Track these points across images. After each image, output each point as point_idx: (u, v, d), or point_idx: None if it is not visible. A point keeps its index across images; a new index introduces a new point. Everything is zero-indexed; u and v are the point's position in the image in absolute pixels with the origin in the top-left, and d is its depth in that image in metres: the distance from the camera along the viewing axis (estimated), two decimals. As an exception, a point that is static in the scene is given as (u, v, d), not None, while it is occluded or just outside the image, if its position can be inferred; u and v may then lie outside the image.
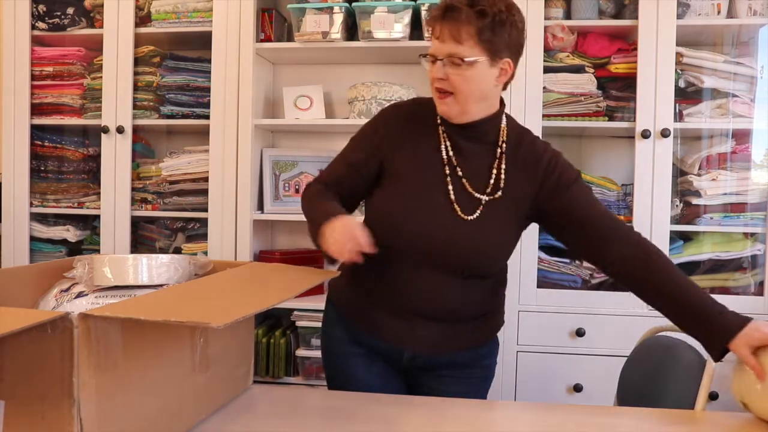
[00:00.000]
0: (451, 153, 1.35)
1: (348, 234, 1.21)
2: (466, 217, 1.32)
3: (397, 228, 1.33)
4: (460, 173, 1.34)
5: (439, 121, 1.36)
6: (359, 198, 1.46)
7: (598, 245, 1.33)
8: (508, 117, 1.40)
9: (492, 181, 1.34)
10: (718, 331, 1.18)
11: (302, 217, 1.41)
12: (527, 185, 1.34)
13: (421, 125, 1.38)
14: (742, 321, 1.17)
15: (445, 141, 1.36)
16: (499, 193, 1.34)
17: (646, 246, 1.31)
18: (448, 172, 1.34)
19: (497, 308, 1.48)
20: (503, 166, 1.35)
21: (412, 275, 1.34)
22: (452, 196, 1.33)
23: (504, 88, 1.36)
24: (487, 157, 1.36)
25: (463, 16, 1.22)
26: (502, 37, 1.24)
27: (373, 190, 1.40)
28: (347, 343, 1.46)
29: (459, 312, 1.38)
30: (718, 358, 1.21)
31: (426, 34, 2.31)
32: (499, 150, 1.36)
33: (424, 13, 2.29)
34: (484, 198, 1.33)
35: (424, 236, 1.31)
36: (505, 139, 1.36)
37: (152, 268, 1.19)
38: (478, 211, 1.33)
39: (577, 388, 2.22)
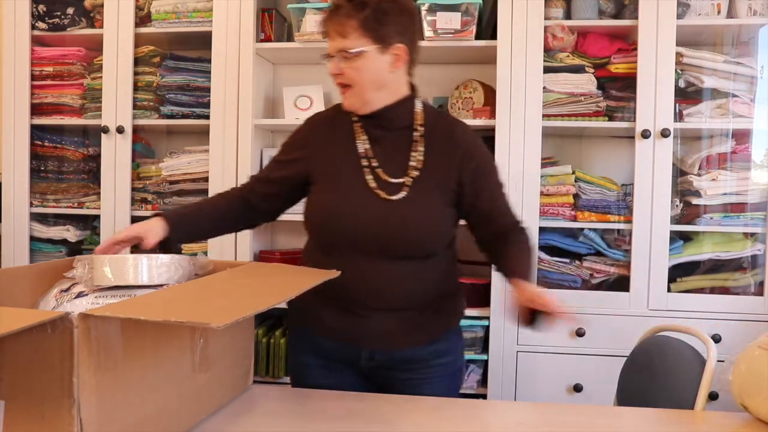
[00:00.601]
0: (367, 145, 1.41)
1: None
2: (390, 197, 1.36)
3: (329, 224, 1.38)
4: (375, 164, 1.39)
5: (355, 118, 1.43)
6: (288, 202, 1.54)
7: (493, 235, 1.44)
8: (425, 104, 1.46)
9: (411, 163, 1.39)
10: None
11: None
12: (447, 166, 1.39)
13: (340, 126, 1.45)
14: (518, 275, 1.31)
15: (361, 135, 1.42)
16: (418, 173, 1.38)
17: (518, 233, 1.45)
18: (366, 164, 1.40)
19: (451, 295, 1.49)
20: (421, 148, 1.40)
21: (356, 267, 1.36)
22: (372, 184, 1.38)
23: (409, 74, 1.42)
24: (403, 141, 1.41)
25: (344, 12, 1.32)
26: (388, 25, 1.32)
27: (308, 193, 1.46)
28: (305, 353, 1.47)
29: (409, 299, 1.39)
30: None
31: (427, 34, 2.30)
32: (415, 133, 1.41)
33: (423, 13, 2.28)
34: (404, 180, 1.38)
35: (355, 223, 1.36)
36: (421, 122, 1.41)
37: (152, 268, 1.19)
38: (403, 192, 1.37)
39: (577, 388, 2.22)
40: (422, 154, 1.39)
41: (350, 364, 1.43)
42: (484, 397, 2.23)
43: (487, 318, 2.24)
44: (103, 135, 2.45)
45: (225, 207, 1.51)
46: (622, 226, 2.27)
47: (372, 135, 1.41)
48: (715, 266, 2.27)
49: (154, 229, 1.36)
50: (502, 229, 1.44)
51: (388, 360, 1.41)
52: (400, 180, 1.37)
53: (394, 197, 1.36)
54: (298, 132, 1.51)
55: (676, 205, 2.27)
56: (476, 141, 1.44)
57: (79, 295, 1.18)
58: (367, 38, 1.31)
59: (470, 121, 2.27)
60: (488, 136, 2.17)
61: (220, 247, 2.39)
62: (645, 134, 2.17)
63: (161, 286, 1.19)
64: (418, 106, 1.43)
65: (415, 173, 1.38)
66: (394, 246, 1.36)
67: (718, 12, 2.21)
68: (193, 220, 1.47)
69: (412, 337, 1.41)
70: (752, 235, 2.24)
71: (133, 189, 2.49)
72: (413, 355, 1.42)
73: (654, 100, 2.18)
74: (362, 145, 1.41)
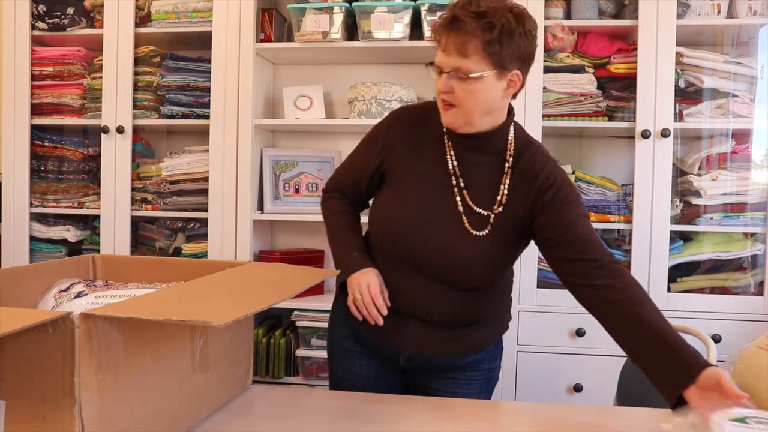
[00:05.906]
0: (455, 163, 1.32)
1: (370, 296, 1.31)
2: (476, 232, 1.29)
3: (402, 237, 1.32)
4: (462, 185, 1.31)
5: (444, 129, 1.33)
6: (368, 198, 1.48)
7: (579, 269, 1.23)
8: (516, 126, 1.36)
9: (499, 197, 1.31)
10: (687, 369, 1.07)
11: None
12: (524, 199, 1.30)
13: (428, 131, 1.35)
14: (706, 363, 1.07)
15: (449, 150, 1.33)
16: (501, 209, 1.30)
17: (629, 282, 1.21)
18: (454, 183, 1.32)
19: (499, 314, 1.45)
20: (508, 181, 1.31)
21: (412, 280, 1.33)
22: (460, 208, 1.30)
23: (513, 98, 1.32)
24: (493, 169, 1.32)
25: (469, 29, 1.18)
26: (510, 48, 1.20)
27: (378, 192, 1.41)
28: (349, 339, 1.47)
29: (457, 319, 1.37)
30: (674, 402, 1.09)
31: (426, 34, 2.31)
32: (506, 164, 1.32)
33: (423, 13, 2.29)
34: (491, 213, 1.30)
35: (434, 250, 1.30)
36: (512, 152, 1.32)
37: None
38: (487, 229, 1.30)
39: (577, 388, 2.22)
40: (508, 188, 1.30)
41: (390, 361, 1.44)
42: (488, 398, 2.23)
43: (487, 318, 2.24)
44: (103, 135, 2.45)
45: (359, 224, 1.48)
46: (622, 226, 2.27)
47: (459, 154, 1.32)
48: (715, 266, 2.28)
49: (378, 277, 1.35)
50: (590, 267, 1.22)
51: (426, 364, 1.41)
52: (486, 212, 1.30)
53: (479, 233, 1.29)
54: (378, 129, 1.41)
55: (676, 205, 2.27)
56: (557, 173, 1.30)
57: (78, 295, 1.18)
58: (488, 62, 1.19)
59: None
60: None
61: (220, 247, 2.39)
62: (645, 134, 2.17)
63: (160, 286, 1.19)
64: (512, 133, 1.33)
65: (499, 209, 1.30)
66: (462, 280, 1.31)
67: (718, 12, 2.21)
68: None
69: (453, 347, 1.39)
70: (752, 235, 2.25)
71: (133, 189, 2.49)
72: (452, 363, 1.41)
73: (654, 100, 2.18)
74: (451, 161, 1.32)
